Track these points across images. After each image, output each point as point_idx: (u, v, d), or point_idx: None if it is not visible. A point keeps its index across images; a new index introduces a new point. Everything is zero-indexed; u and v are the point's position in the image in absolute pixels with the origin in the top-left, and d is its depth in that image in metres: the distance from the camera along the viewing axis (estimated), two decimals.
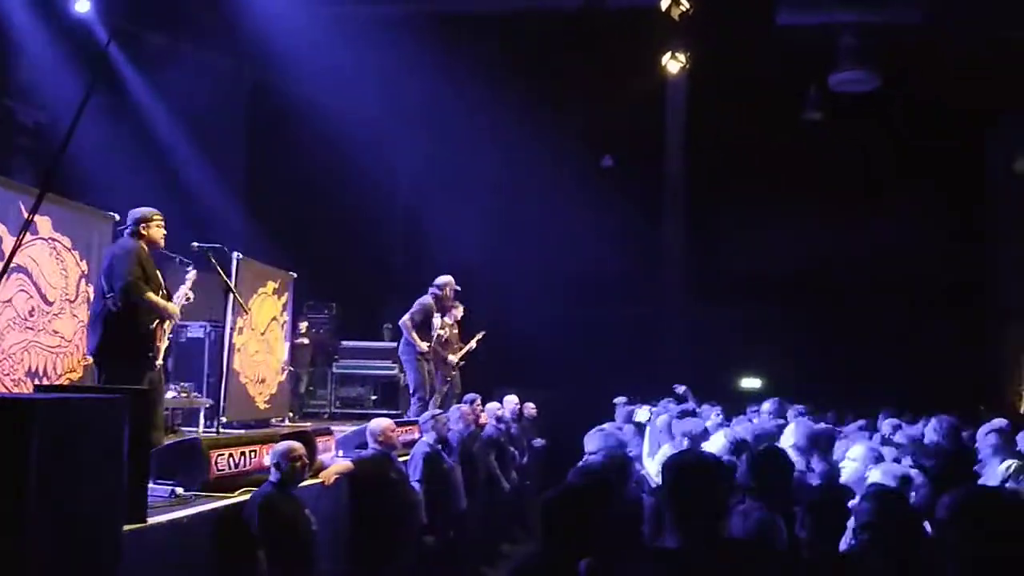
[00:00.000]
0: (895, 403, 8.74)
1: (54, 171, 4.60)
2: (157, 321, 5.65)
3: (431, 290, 9.61)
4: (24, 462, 2.97)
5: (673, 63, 11.74)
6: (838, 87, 12.73)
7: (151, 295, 5.56)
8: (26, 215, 6.71)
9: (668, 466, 2.82)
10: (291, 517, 4.94)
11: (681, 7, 10.51)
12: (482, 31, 14.08)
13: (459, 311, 10.40)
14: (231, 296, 6.33)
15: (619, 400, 9.50)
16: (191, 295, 6.13)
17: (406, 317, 9.48)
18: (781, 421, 6.65)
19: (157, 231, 5.86)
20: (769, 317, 14.41)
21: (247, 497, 4.96)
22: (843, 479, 4.27)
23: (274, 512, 4.85)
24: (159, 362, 5.65)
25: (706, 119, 14.26)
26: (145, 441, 4.12)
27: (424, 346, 9.29)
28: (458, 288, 9.92)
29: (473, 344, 10.68)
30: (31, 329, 6.81)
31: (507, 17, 14.02)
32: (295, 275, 10.77)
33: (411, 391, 9.59)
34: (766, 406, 7.43)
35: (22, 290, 6.75)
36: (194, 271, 6.30)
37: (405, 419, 8.74)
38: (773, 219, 14.46)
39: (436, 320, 9.55)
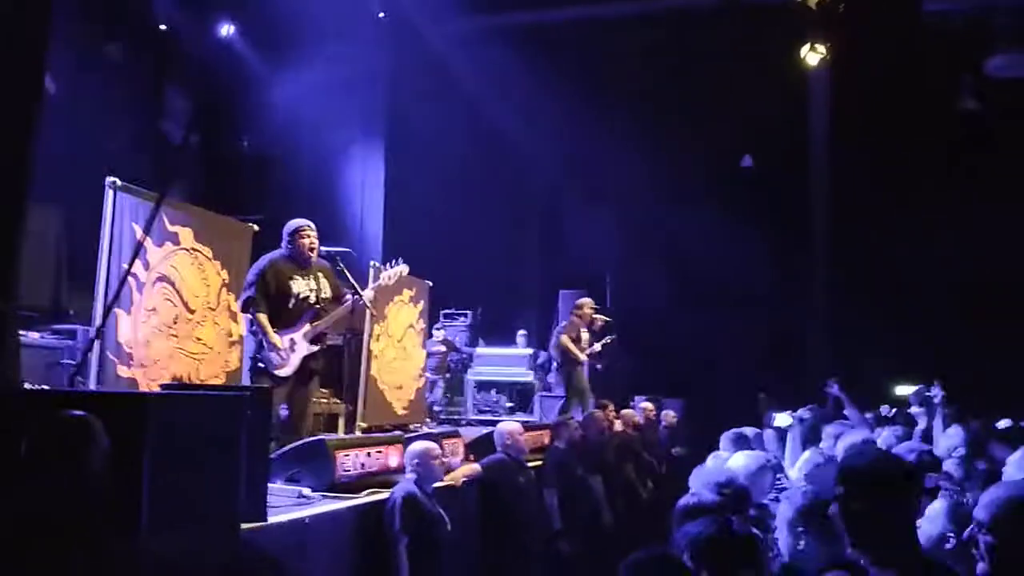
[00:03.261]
0: None
1: (170, 181, 4.75)
2: (265, 336, 5.78)
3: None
4: (138, 459, 3.01)
5: (812, 55, 11.22)
6: (996, 72, 11.86)
7: (261, 315, 5.77)
8: (168, 226, 7.04)
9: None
10: (430, 516, 4.97)
11: None
12: (615, 34, 13.92)
13: None
14: (362, 296, 6.35)
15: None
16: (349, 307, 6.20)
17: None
18: None
19: (301, 242, 6.04)
20: (926, 317, 13.52)
21: (372, 498, 4.98)
22: None
23: (416, 510, 4.88)
24: (283, 372, 5.75)
25: (851, 113, 13.55)
26: (266, 441, 4.15)
27: None
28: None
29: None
30: (175, 336, 7.08)
31: (640, 19, 13.80)
32: (431, 283, 10.88)
33: None
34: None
35: (166, 299, 7.04)
36: (369, 292, 6.37)
37: (535, 423, 8.66)
38: (928, 216, 13.61)
39: None
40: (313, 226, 6.16)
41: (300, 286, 6.02)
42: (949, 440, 4.81)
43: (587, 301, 10.69)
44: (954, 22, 12.12)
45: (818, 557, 2.80)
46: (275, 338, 5.77)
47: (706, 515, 2.92)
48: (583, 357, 10.20)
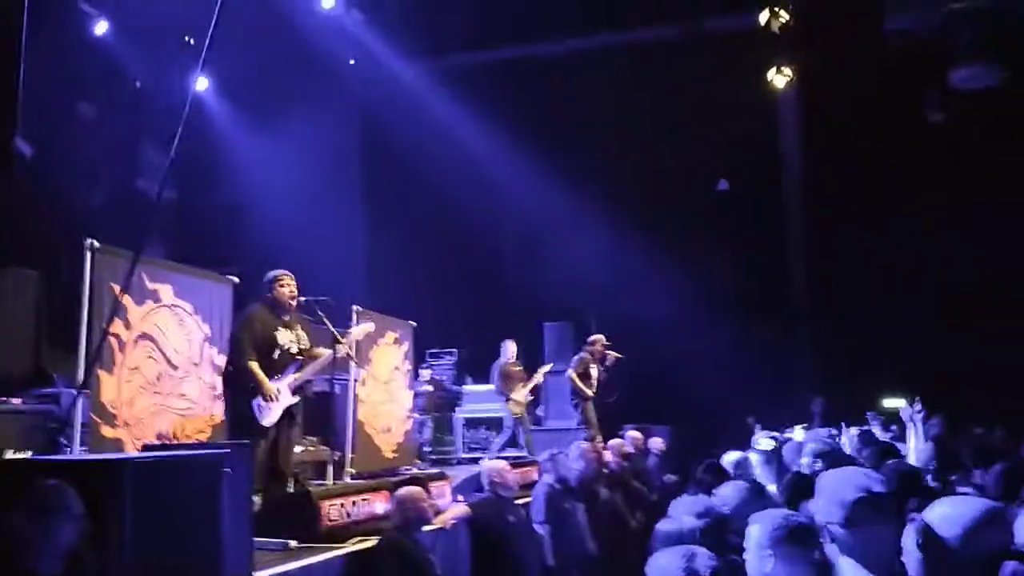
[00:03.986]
0: None
1: (147, 238, 4.81)
2: (258, 386, 5.80)
3: None
4: (118, 523, 3.04)
5: (780, 78, 11.44)
6: (960, 84, 12.09)
7: (252, 364, 5.77)
8: (148, 284, 7.07)
9: None
10: (418, 561, 4.96)
11: (780, 19, 10.27)
12: (583, 68, 14.14)
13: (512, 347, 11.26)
14: (340, 348, 6.42)
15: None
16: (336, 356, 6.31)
17: None
18: None
19: (281, 291, 6.10)
20: (908, 329, 13.63)
21: (359, 547, 4.99)
22: None
23: (402, 556, 4.88)
24: (267, 422, 5.76)
25: (821, 131, 13.79)
26: (249, 495, 4.17)
27: None
28: None
29: (540, 377, 11.13)
30: (159, 394, 7.07)
31: (607, 53, 14.03)
32: (414, 324, 10.90)
33: None
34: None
35: (149, 357, 7.03)
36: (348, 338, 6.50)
37: (525, 459, 8.68)
38: (903, 227, 13.78)
39: None
40: (291, 275, 6.23)
41: (284, 337, 6.09)
42: (922, 454, 4.87)
43: (599, 337, 11.02)
44: (915, 38, 12.38)
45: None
46: (269, 387, 5.80)
47: (680, 544, 2.96)
48: (589, 393, 10.63)
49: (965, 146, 13.25)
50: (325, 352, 6.33)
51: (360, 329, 6.64)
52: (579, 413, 10.80)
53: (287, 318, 6.15)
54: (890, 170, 13.64)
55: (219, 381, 7.63)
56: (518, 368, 11.10)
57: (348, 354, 6.55)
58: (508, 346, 11.26)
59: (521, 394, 10.90)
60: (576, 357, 10.96)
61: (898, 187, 13.66)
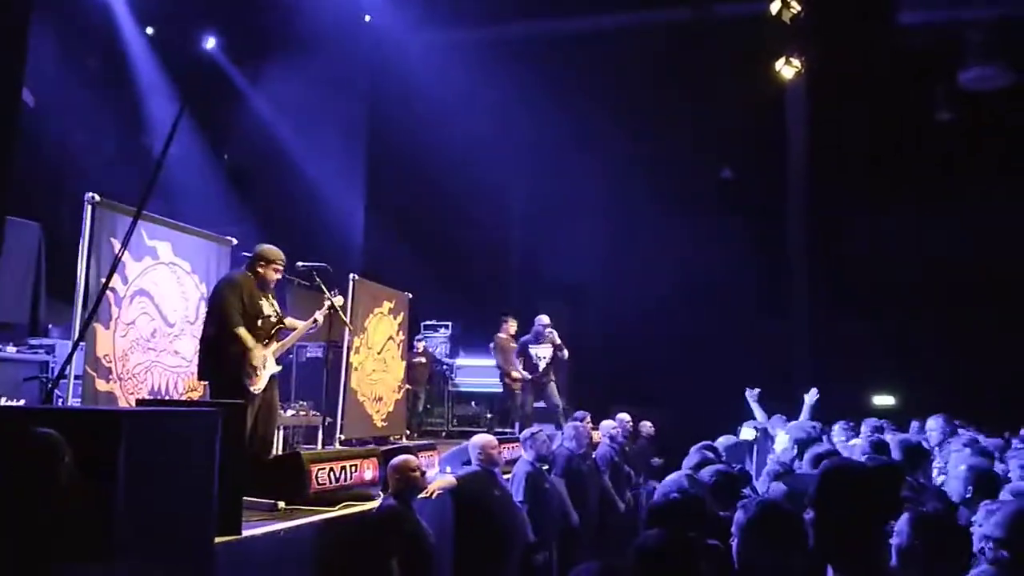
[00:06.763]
0: None
1: (149, 192, 4.78)
2: (248, 352, 5.80)
3: None
4: (112, 474, 3.06)
5: (788, 68, 11.38)
6: (969, 84, 12.07)
7: (241, 330, 5.76)
8: (147, 241, 7.09)
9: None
10: (416, 530, 5.01)
11: (792, 10, 10.20)
12: (591, 48, 14.07)
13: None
14: (336, 314, 6.45)
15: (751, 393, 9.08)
16: (320, 319, 6.37)
17: None
18: None
19: (272, 274, 6.10)
20: (903, 327, 13.68)
21: (347, 512, 5.04)
22: None
23: (400, 524, 4.92)
24: (256, 388, 5.76)
25: (828, 125, 13.76)
26: (240, 455, 4.20)
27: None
28: None
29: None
30: (153, 350, 7.12)
31: (616, 33, 13.96)
32: (410, 295, 10.93)
33: None
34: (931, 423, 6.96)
35: (144, 313, 7.08)
36: (339, 297, 6.55)
37: (509, 435, 8.74)
38: (904, 225, 13.79)
39: None
40: (284, 259, 6.26)
41: (267, 307, 6.11)
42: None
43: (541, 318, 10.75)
44: (927, 36, 12.35)
45: (768, 564, 2.89)
46: (259, 352, 5.80)
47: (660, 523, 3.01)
48: (526, 375, 10.44)
49: (972, 145, 13.24)
50: (300, 323, 6.35)
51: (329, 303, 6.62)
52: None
53: (267, 291, 6.18)
54: (895, 166, 13.63)
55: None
56: (513, 345, 11.02)
57: (343, 320, 6.55)
58: (508, 321, 11.04)
59: (518, 371, 10.73)
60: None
61: (905, 183, 13.66)
